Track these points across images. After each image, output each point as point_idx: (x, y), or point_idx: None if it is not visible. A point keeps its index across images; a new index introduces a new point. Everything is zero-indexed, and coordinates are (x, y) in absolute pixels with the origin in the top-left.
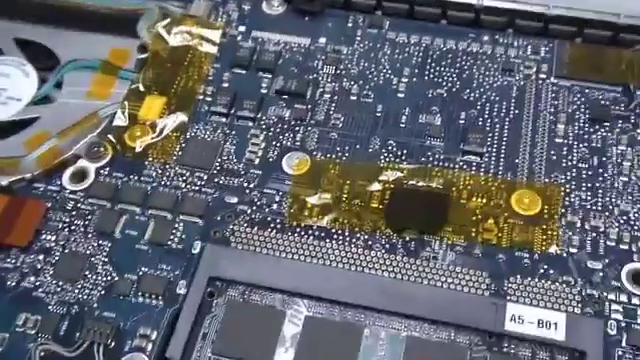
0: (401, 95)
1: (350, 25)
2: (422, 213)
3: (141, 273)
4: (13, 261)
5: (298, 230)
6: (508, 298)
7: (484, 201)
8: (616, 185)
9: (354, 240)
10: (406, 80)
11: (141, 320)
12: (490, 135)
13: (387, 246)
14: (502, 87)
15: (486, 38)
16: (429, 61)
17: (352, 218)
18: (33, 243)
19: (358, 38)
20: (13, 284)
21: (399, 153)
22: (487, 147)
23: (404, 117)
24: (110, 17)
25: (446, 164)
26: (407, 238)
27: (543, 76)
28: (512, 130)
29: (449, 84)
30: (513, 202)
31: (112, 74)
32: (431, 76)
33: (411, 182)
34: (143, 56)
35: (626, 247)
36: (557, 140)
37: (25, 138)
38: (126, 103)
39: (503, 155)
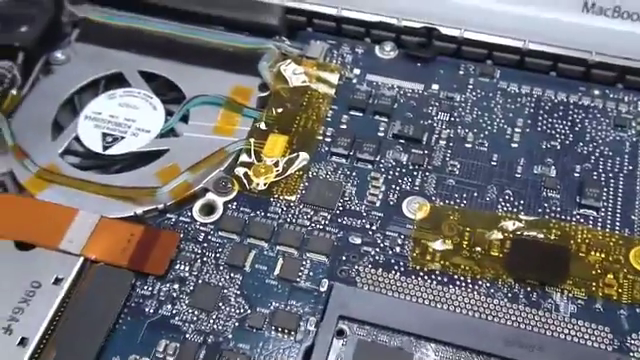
0: (515, 145)
1: (462, 73)
2: (543, 264)
3: (272, 307)
4: (150, 289)
5: (421, 274)
6: (632, 355)
7: (603, 256)
8: None
9: (476, 287)
10: (519, 130)
11: (275, 354)
12: (606, 190)
13: (509, 295)
14: (615, 142)
15: (597, 92)
16: (541, 112)
17: (473, 265)
18: (168, 272)
19: (470, 86)
20: (151, 311)
21: (515, 203)
22: (603, 202)
23: (519, 167)
24: (232, 55)
25: (562, 216)
26: (529, 288)
27: None
28: (627, 185)
29: (562, 136)
30: (631, 258)
31: (236, 111)
32: (544, 127)
33: (529, 233)
34: (264, 94)
35: None
36: None
37: (156, 169)
38: (251, 140)
39: (619, 210)
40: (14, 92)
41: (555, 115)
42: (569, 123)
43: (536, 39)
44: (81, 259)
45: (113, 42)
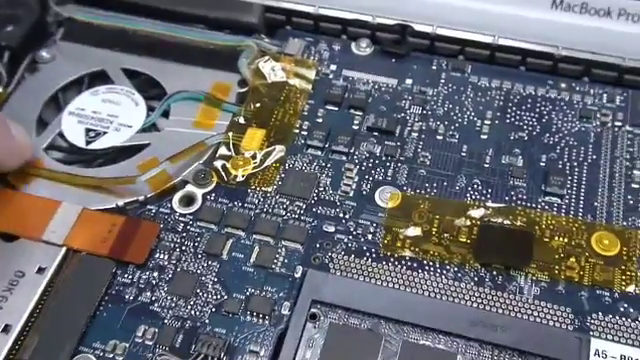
0: (484, 137)
1: (434, 68)
2: (508, 249)
3: (248, 293)
4: (130, 277)
5: (392, 260)
6: (591, 333)
7: (566, 240)
8: None
9: (444, 272)
10: (489, 122)
11: (250, 337)
12: (570, 178)
13: (475, 279)
14: (580, 133)
15: (563, 85)
16: (510, 105)
17: (442, 251)
18: (148, 261)
19: (442, 81)
20: (131, 298)
21: (484, 192)
22: (567, 189)
23: (488, 157)
24: (212, 52)
25: (528, 204)
26: (494, 272)
27: (619, 124)
28: (590, 174)
29: (529, 128)
30: (593, 243)
31: (215, 106)
32: (512, 119)
33: (496, 219)
34: (243, 90)
35: None
36: (634, 185)
37: (137, 162)
38: (230, 134)
39: (582, 198)
40: (0, 90)
41: (523, 107)
42: (537, 115)
43: (506, 35)
44: (64, 249)
45: (97, 41)
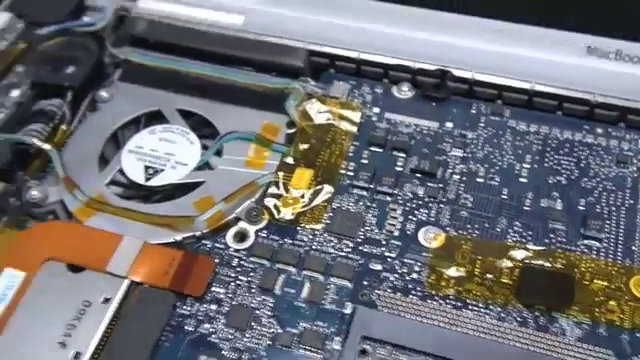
0: (524, 180)
1: (474, 112)
2: (550, 291)
3: (301, 328)
4: (189, 309)
5: (437, 298)
6: None
7: (605, 283)
8: None
9: (488, 311)
10: (528, 166)
11: None
12: (608, 222)
13: (519, 319)
14: (617, 178)
15: (600, 131)
16: (548, 149)
17: (485, 291)
18: (206, 294)
19: (482, 124)
20: (191, 329)
21: (524, 234)
22: (606, 233)
23: (527, 200)
24: (260, 94)
25: (568, 247)
26: (537, 313)
27: None
28: (628, 218)
29: (568, 172)
30: (632, 286)
31: (265, 146)
32: (550, 163)
33: (537, 262)
34: (291, 131)
35: None
36: None
37: (193, 200)
38: (279, 174)
39: (621, 241)
40: (64, 127)
41: (561, 152)
42: (574, 159)
43: (543, 81)
44: (127, 281)
45: (152, 82)
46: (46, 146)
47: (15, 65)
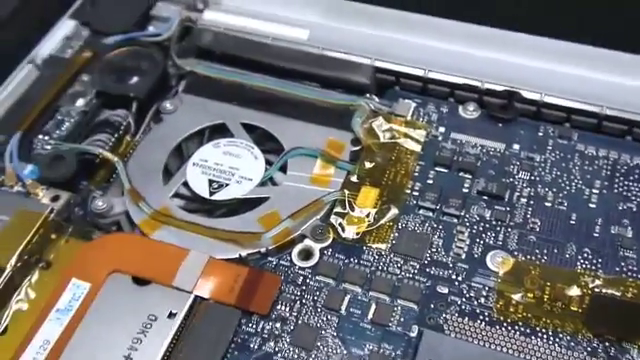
0: (593, 205)
1: (541, 134)
2: (620, 321)
3: (367, 350)
4: (254, 326)
5: (505, 325)
6: None
7: None
8: None
9: (557, 340)
10: (597, 191)
11: None
12: None
13: (589, 349)
14: None
15: None
16: (617, 175)
17: (554, 319)
18: (271, 312)
19: (549, 147)
20: (256, 347)
21: (594, 261)
22: None
23: (597, 227)
24: (325, 110)
25: (639, 276)
26: (607, 343)
27: None
28: None
29: (638, 199)
30: None
31: (330, 163)
32: (620, 189)
33: (607, 290)
34: (356, 148)
35: None
36: None
37: (258, 215)
38: (345, 192)
39: None
40: (128, 138)
41: (631, 178)
42: None
43: (613, 105)
44: (193, 296)
45: (216, 94)
46: (112, 156)
47: (81, 74)
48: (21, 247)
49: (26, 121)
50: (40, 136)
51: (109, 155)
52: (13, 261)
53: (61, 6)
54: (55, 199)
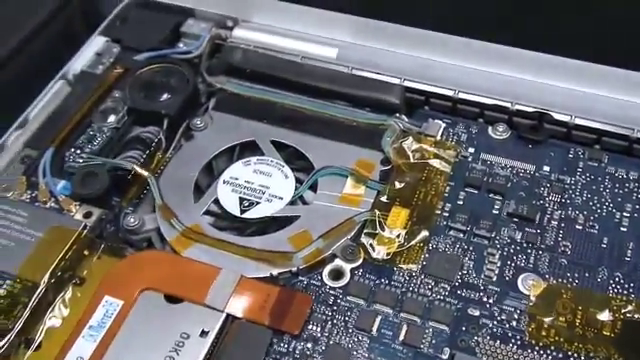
0: (624, 229)
1: (571, 156)
2: None
3: None
4: (286, 346)
5: (537, 349)
6: None
7: None
8: None
9: None
10: (628, 215)
11: None
12: None
13: None
14: None
15: None
16: None
17: (587, 343)
18: (302, 331)
19: (580, 170)
20: None
21: (626, 285)
22: None
23: (629, 251)
24: (354, 129)
25: None
26: None
27: None
28: None
29: None
30: None
31: (360, 182)
32: None
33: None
34: (386, 168)
35: None
36: None
37: (289, 234)
38: (376, 212)
39: None
40: (160, 155)
41: None
42: None
43: None
44: (224, 314)
45: (246, 112)
46: (145, 172)
47: (113, 90)
48: (54, 264)
49: (59, 137)
50: (72, 150)
51: (141, 170)
52: (46, 278)
53: (86, 21)
54: (88, 215)
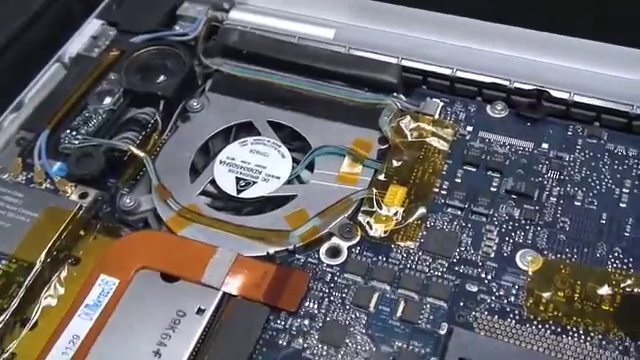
0: (623, 205)
1: (570, 134)
2: None
3: (396, 347)
4: (283, 323)
5: (535, 323)
6: None
7: None
8: None
9: (589, 339)
10: (627, 191)
11: None
12: None
13: (620, 348)
14: None
15: None
16: None
17: (585, 318)
18: (299, 309)
19: (579, 147)
20: (284, 344)
21: (625, 260)
22: None
23: (628, 227)
24: (352, 108)
25: None
26: (639, 342)
27: None
28: None
29: None
30: None
31: (357, 161)
32: None
33: (639, 289)
34: (384, 147)
35: None
36: None
37: (286, 213)
38: (373, 190)
39: None
40: (156, 136)
41: None
42: None
43: None
44: (221, 292)
45: (243, 93)
46: (141, 153)
47: (109, 72)
48: (50, 243)
49: (54, 119)
50: (68, 131)
51: (137, 151)
52: (42, 257)
53: (84, 5)
54: (83, 196)
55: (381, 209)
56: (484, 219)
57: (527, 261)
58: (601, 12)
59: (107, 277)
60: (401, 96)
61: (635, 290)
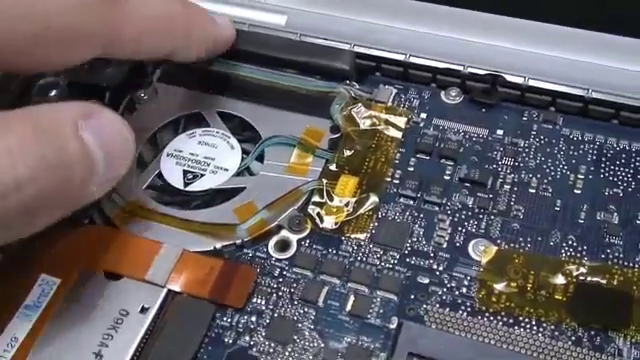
0: (578, 191)
1: (525, 119)
2: (605, 310)
3: (345, 343)
4: (229, 320)
5: (487, 315)
6: None
7: None
8: None
9: (541, 329)
10: (582, 177)
11: None
12: None
13: (573, 338)
14: None
15: None
16: (603, 159)
17: (538, 308)
18: (246, 305)
19: (534, 132)
20: (230, 341)
21: (579, 248)
22: None
23: (582, 213)
24: (303, 97)
25: (625, 263)
26: (592, 332)
27: None
28: None
29: (624, 184)
30: None
31: (308, 151)
32: (606, 174)
33: (592, 278)
34: (335, 136)
35: None
36: None
37: (234, 206)
38: (323, 181)
39: None
40: None
41: (617, 162)
42: (631, 171)
43: (599, 88)
44: (165, 290)
45: (192, 83)
46: None
47: None
48: None
49: None
50: None
51: None
52: None
53: None
54: None
55: (332, 200)
56: (437, 208)
57: (480, 251)
58: None
59: (48, 277)
60: (354, 83)
61: (588, 279)
